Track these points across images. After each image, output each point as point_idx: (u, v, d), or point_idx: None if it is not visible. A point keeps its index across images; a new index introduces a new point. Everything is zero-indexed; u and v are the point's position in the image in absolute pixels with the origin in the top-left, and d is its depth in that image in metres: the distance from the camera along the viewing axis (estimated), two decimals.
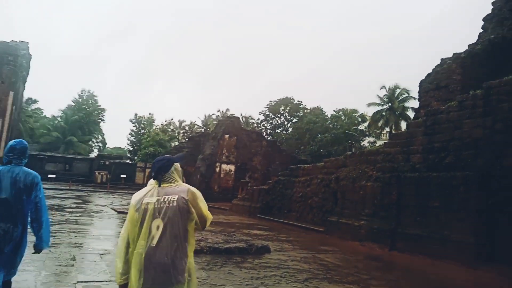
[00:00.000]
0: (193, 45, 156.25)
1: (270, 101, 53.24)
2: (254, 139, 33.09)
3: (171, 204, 2.27)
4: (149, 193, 2.35)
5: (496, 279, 7.58)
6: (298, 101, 52.12)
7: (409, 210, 10.53)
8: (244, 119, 52.97)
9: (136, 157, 47.49)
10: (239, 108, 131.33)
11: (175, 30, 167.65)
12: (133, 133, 54.38)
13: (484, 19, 13.56)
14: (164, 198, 2.30)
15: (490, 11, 13.46)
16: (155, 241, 2.22)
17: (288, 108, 51.91)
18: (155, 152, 40.99)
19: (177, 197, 2.30)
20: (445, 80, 12.05)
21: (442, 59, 12.94)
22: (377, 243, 11.10)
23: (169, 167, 2.41)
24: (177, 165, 2.48)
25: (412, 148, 11.29)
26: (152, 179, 2.44)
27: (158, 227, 2.24)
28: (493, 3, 13.68)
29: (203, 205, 2.40)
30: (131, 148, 53.64)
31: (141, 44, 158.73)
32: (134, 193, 2.50)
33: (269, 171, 30.96)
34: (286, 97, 52.86)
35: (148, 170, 38.33)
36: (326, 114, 47.40)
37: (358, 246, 11.39)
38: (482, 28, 13.55)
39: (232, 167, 32.26)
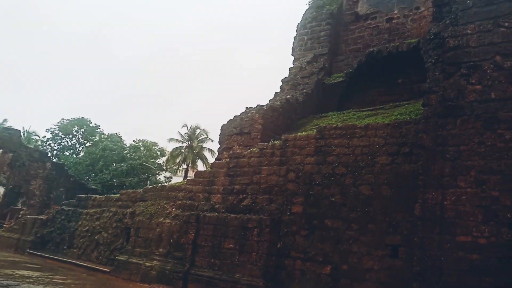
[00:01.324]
0: None
1: (62, 119, 47.30)
2: (36, 158, 28.14)
3: None
4: None
5: None
6: (95, 124, 48.07)
7: (205, 251, 10.38)
8: (25, 134, 45.11)
9: None
10: (21, 120, 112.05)
11: None
12: None
13: (282, 81, 15.60)
14: None
15: (287, 75, 15.61)
16: None
17: (82, 130, 47.12)
18: None
19: None
20: (248, 127, 12.99)
21: (247, 108, 14.00)
22: (168, 286, 10.43)
23: None
24: None
25: (214, 188, 11.42)
26: None
27: None
28: (290, 69, 15.93)
29: None
30: None
31: None
32: None
33: (50, 198, 26.59)
34: (82, 117, 48.01)
35: None
36: (125, 142, 45.12)
37: None
38: (280, 88, 15.51)
39: (0, 189, 26.34)
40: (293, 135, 10.58)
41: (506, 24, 6.76)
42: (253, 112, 13.29)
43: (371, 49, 14.29)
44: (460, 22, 7.25)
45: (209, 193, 11.44)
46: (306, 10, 17.15)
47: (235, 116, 14.98)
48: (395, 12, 15.29)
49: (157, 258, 11.32)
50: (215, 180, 11.53)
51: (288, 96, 14.03)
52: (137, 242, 12.15)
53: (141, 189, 14.03)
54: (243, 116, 13.64)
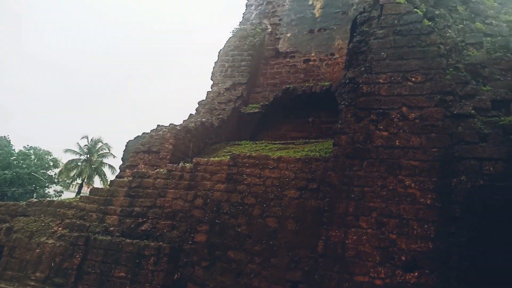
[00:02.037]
0: None
1: None
2: None
3: None
4: None
5: None
6: None
7: (91, 279, 9.20)
8: None
9: None
10: None
11: None
12: None
13: (199, 103, 15.26)
14: None
15: (205, 98, 15.34)
16: None
17: None
18: None
19: None
20: (157, 145, 12.26)
21: (158, 125, 13.31)
22: None
23: None
24: None
25: (111, 208, 10.38)
26: None
27: None
28: (208, 92, 15.71)
29: None
30: None
31: None
32: None
33: None
34: None
35: None
36: (13, 148, 39.98)
37: None
38: (196, 110, 15.14)
39: None
40: (205, 159, 10.18)
41: (413, 79, 7.40)
42: (164, 131, 12.64)
43: (288, 86, 14.80)
44: (374, 71, 7.77)
45: (104, 213, 10.35)
46: (230, 38, 17.30)
47: (143, 133, 14.12)
48: (312, 54, 16.15)
49: (33, 284, 9.76)
50: (113, 200, 10.50)
51: (204, 119, 13.68)
52: (10, 263, 10.39)
53: (24, 202, 12.21)
54: (153, 134, 12.89)
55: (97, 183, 38.75)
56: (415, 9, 8.21)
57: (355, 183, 7.35)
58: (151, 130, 13.51)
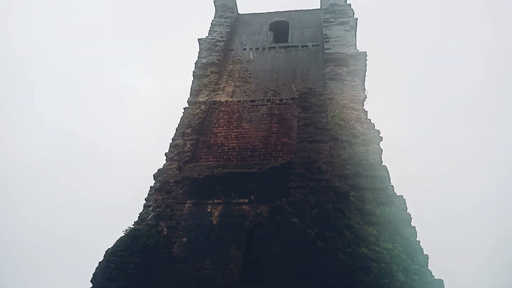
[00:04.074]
0: None
1: None
2: None
3: None
4: None
5: None
6: None
7: None
8: None
9: None
10: None
11: None
12: None
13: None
14: None
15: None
16: None
17: None
18: None
19: None
20: None
21: None
22: None
23: None
24: None
25: None
26: None
27: None
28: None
29: None
30: None
31: None
32: None
33: None
34: None
35: None
36: None
37: None
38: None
39: None
40: None
41: None
42: None
43: None
44: None
45: None
46: (121, 237, 16.25)
47: None
48: (207, 262, 15.61)
49: None
50: None
51: None
52: None
53: None
54: None
55: None
56: (309, 230, 8.75)
57: None
58: None
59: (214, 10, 20.56)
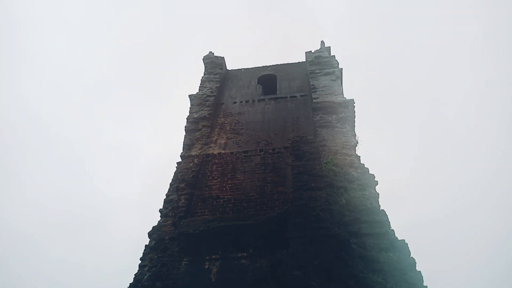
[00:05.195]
0: None
1: None
2: None
3: None
4: None
5: None
6: None
7: None
8: None
9: None
10: None
11: None
12: None
13: None
14: None
15: None
16: None
17: None
18: None
19: None
20: None
21: None
22: None
23: None
24: None
25: None
26: None
27: None
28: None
29: None
30: None
31: None
32: None
33: None
34: None
35: None
36: None
37: None
38: None
39: None
40: None
41: None
42: None
43: None
44: None
45: None
46: None
47: None
48: None
49: None
50: None
51: None
52: None
53: None
54: None
55: None
56: (312, 283, 8.44)
57: None
58: None
59: (204, 67, 21.23)
